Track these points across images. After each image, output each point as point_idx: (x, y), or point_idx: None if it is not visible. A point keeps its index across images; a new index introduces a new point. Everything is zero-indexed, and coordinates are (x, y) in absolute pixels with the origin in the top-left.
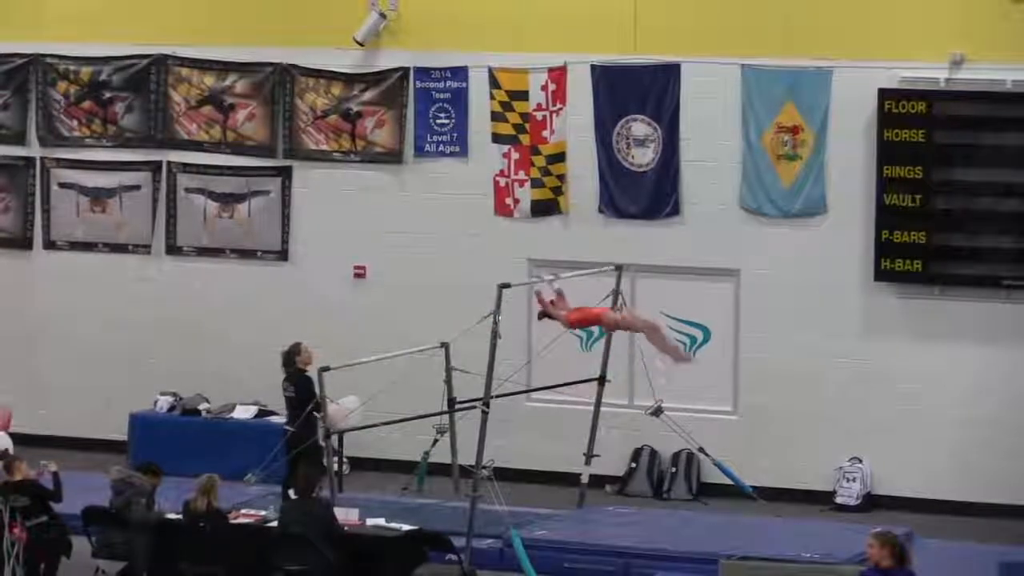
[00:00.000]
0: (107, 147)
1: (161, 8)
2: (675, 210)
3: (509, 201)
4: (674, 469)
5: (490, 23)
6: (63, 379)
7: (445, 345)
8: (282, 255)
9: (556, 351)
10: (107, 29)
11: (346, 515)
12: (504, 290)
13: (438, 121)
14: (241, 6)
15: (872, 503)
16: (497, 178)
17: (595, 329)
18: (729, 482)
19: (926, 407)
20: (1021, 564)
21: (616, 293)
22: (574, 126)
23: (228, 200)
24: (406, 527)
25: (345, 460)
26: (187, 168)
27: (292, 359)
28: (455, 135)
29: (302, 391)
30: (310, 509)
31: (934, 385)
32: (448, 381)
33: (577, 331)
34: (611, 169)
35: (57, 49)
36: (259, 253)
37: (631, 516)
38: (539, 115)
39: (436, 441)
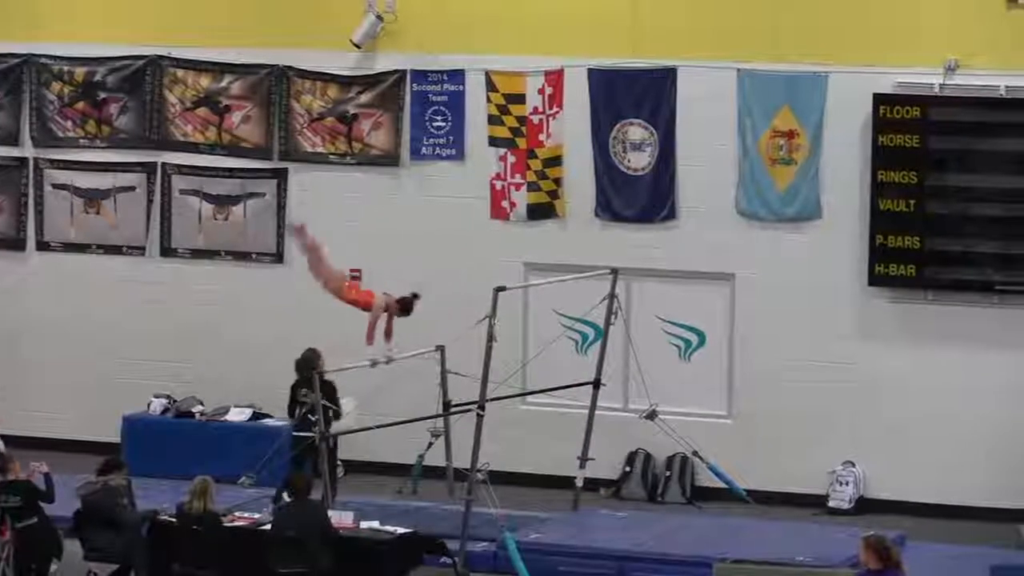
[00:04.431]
0: (101, 148)
1: (156, 9)
2: (671, 214)
3: (505, 204)
4: (668, 473)
5: (487, 26)
6: (56, 381)
7: (440, 348)
8: (277, 257)
9: (551, 354)
10: (102, 30)
11: (341, 518)
12: (500, 293)
13: (435, 124)
14: (237, 7)
15: (865, 507)
16: (493, 181)
17: (590, 332)
18: (723, 485)
19: (919, 411)
20: (1013, 568)
21: (611, 297)
22: (570, 130)
23: (223, 202)
24: (401, 530)
25: (340, 463)
26: (182, 169)
27: (311, 366)
28: (451, 138)
29: (327, 396)
30: (305, 511)
31: (927, 389)
32: (443, 384)
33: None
34: (607, 173)
35: (51, 50)
36: (254, 255)
37: (625, 519)
38: (536, 118)
39: (431, 444)
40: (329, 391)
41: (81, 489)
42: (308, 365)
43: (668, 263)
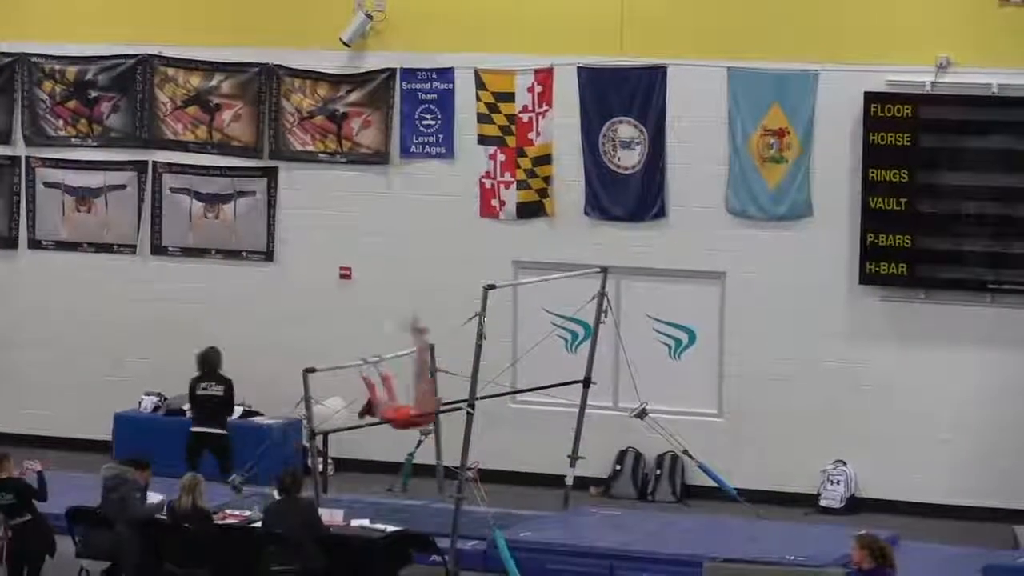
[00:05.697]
0: (92, 147)
1: (147, 8)
2: (661, 212)
3: (495, 203)
4: (658, 471)
5: (477, 24)
6: (47, 378)
7: (430, 346)
8: (267, 256)
9: (540, 353)
10: (93, 29)
11: (331, 516)
12: (489, 292)
13: (424, 122)
14: (228, 6)
15: (856, 506)
16: (483, 180)
17: (580, 331)
18: (713, 484)
19: (911, 410)
20: (1005, 567)
21: (601, 295)
22: (560, 128)
23: (214, 200)
24: (391, 528)
25: (330, 461)
26: (173, 168)
27: (218, 362)
28: (441, 136)
29: (229, 391)
30: (295, 509)
31: (919, 388)
32: (433, 382)
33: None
34: (597, 171)
35: (43, 48)
36: (244, 254)
37: (615, 518)
38: (525, 117)
39: (420, 442)
40: (232, 386)
41: (104, 471)
42: (214, 361)
43: (658, 262)
